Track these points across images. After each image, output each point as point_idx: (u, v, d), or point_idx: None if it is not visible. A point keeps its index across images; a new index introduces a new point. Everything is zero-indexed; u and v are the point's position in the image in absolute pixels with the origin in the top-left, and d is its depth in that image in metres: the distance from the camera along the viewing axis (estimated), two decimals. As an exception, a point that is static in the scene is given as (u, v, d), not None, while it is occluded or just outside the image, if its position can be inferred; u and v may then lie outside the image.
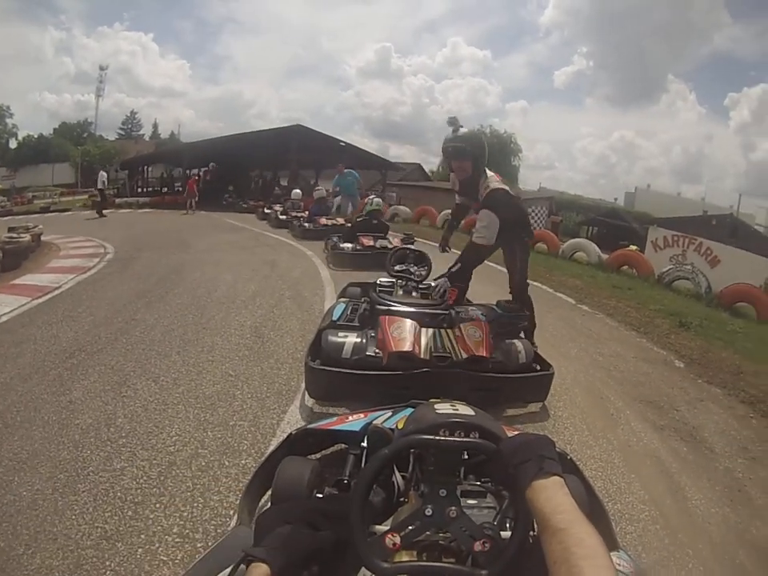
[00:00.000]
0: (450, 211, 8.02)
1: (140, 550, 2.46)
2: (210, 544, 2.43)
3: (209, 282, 8.40)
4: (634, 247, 17.77)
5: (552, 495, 1.23)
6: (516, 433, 1.69)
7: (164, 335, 5.53)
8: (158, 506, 2.74)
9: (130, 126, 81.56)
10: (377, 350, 4.45)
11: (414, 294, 5.92)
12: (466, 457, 1.57)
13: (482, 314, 5.24)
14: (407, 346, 4.33)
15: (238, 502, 2.55)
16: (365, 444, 2.31)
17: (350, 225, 13.57)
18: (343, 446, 2.84)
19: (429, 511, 1.48)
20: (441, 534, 1.49)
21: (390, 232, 13.07)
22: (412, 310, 5.13)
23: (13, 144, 62.40)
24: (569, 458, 2.87)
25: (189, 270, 9.30)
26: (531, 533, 1.37)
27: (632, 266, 15.35)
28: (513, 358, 4.73)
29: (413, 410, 2.39)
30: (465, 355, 4.45)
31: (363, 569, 1.43)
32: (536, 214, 31.90)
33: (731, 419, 5.39)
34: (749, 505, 3.87)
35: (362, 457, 2.34)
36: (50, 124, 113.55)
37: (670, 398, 5.66)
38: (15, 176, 53.38)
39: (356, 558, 1.41)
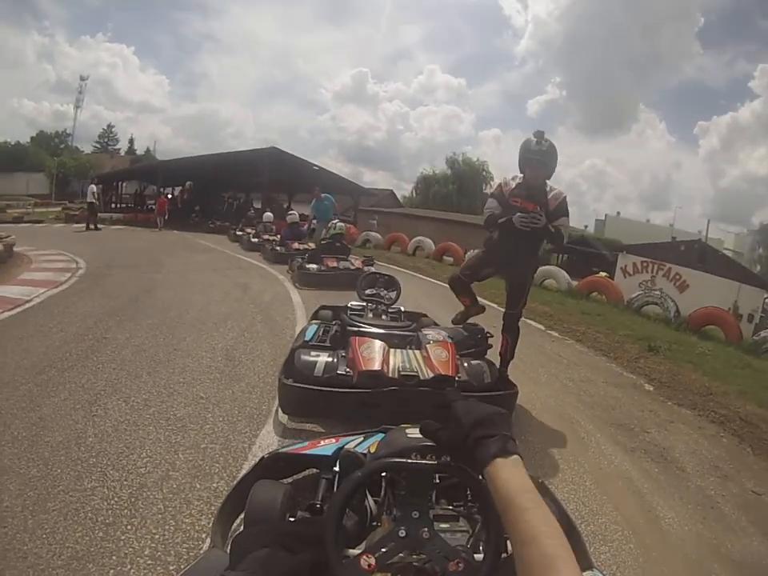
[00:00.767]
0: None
1: (111, 571, 2.44)
2: (182, 567, 2.44)
3: (180, 302, 8.37)
4: (603, 274, 18.11)
5: (516, 474, 1.23)
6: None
7: (135, 355, 5.50)
8: (129, 527, 2.71)
9: (106, 139, 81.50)
10: (347, 369, 4.62)
11: (383, 316, 6.18)
12: (437, 480, 1.62)
13: (448, 336, 5.45)
14: (376, 366, 4.53)
15: (210, 525, 2.60)
16: (337, 468, 2.35)
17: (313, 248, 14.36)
18: (315, 470, 2.85)
19: (402, 533, 1.50)
20: (415, 556, 1.50)
21: (351, 254, 13.87)
22: (381, 331, 5.46)
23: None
24: (540, 481, 2.91)
25: (161, 290, 9.27)
26: (504, 554, 1.41)
27: (601, 293, 15.57)
28: (478, 377, 4.94)
29: (383, 434, 2.43)
30: (431, 374, 4.59)
31: None
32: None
33: (701, 439, 5.53)
34: (722, 521, 3.97)
35: (334, 481, 2.37)
36: (27, 132, 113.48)
37: (640, 420, 5.77)
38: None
39: None
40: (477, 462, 1.31)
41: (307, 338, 5.34)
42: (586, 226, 57.82)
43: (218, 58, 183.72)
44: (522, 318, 10.65)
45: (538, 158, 5.38)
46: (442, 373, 4.60)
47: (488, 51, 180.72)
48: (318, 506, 2.28)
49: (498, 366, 5.48)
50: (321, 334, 5.56)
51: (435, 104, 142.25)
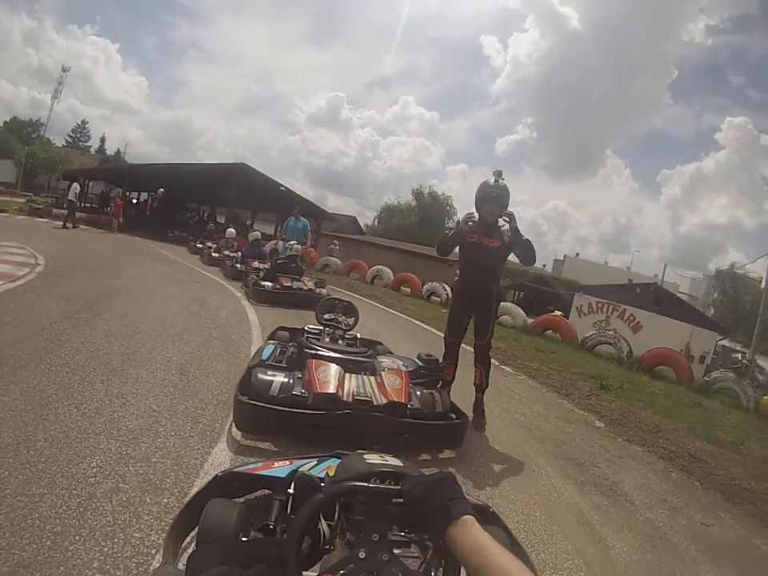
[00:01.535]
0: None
1: None
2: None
3: (138, 311, 8.28)
4: (559, 313, 18.35)
5: (465, 536, 1.27)
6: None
7: (89, 360, 5.40)
8: (77, 538, 2.65)
9: (79, 135, 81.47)
10: (303, 391, 4.69)
11: (339, 341, 6.27)
12: (395, 504, 1.59)
13: (402, 364, 5.63)
14: (331, 389, 4.62)
15: (159, 540, 2.58)
16: (291, 490, 2.34)
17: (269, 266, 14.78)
18: (267, 491, 2.85)
19: (362, 554, 1.51)
20: None
21: (304, 276, 14.31)
22: (338, 355, 5.51)
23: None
24: (491, 510, 2.94)
25: (119, 297, 9.15)
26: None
27: (556, 331, 15.87)
28: (429, 406, 5.08)
29: (337, 459, 2.45)
30: (384, 400, 4.73)
31: None
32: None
33: (650, 474, 5.71)
34: (671, 550, 4.11)
35: (288, 503, 2.36)
36: (0, 115, 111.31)
37: (590, 455, 5.88)
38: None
39: None
40: (434, 534, 1.40)
41: (264, 357, 5.37)
42: (544, 265, 58.75)
43: (199, 67, 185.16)
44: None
45: (497, 192, 5.92)
46: (395, 399, 4.73)
47: (464, 87, 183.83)
48: (271, 527, 2.27)
49: (477, 395, 6.26)
50: (278, 354, 5.60)
51: (406, 135, 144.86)
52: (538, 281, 39.73)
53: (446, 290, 20.62)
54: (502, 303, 20.53)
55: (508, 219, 5.94)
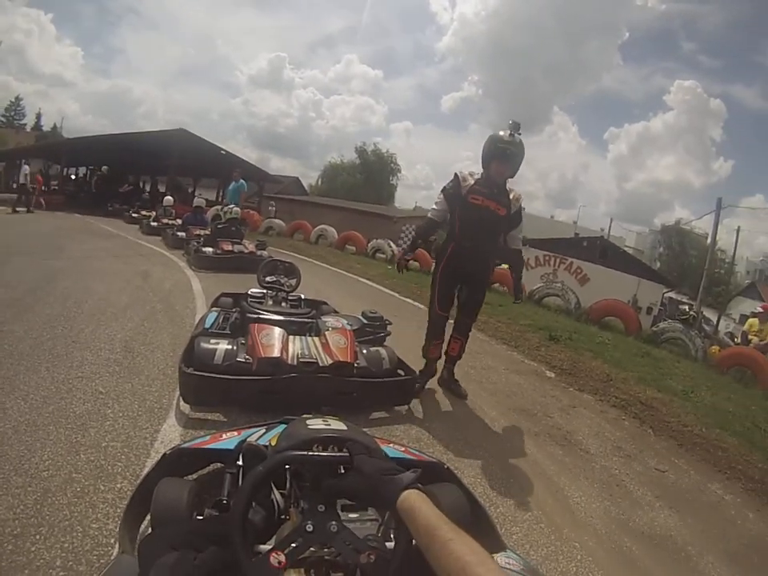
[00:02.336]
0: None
1: None
2: (94, 576, 2.40)
3: (80, 291, 8.13)
4: (505, 266, 18.36)
5: (430, 506, 1.28)
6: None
7: (33, 349, 5.31)
8: (38, 537, 2.63)
9: (12, 113, 78.18)
10: (247, 357, 4.68)
11: (283, 304, 6.30)
12: (342, 471, 1.60)
13: (347, 323, 5.65)
14: (275, 352, 4.61)
15: (116, 528, 2.54)
16: (240, 462, 2.35)
17: (209, 232, 14.75)
18: (219, 465, 2.84)
19: (309, 527, 1.51)
20: (326, 550, 1.51)
21: (245, 239, 14.38)
22: (280, 318, 5.59)
23: None
24: (446, 467, 2.93)
25: (60, 278, 8.95)
26: (413, 541, 1.39)
27: (503, 284, 15.82)
28: (377, 364, 5.12)
29: (285, 425, 2.45)
30: (330, 361, 4.73)
31: None
32: (410, 233, 32.37)
33: (604, 422, 5.84)
34: (628, 497, 4.24)
35: (239, 475, 2.37)
36: None
37: (542, 406, 6.01)
38: None
39: None
40: (386, 498, 1.36)
41: (207, 325, 5.37)
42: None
43: (137, 34, 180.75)
44: (423, 307, 10.87)
45: (511, 149, 5.24)
46: (341, 359, 4.75)
47: (409, 45, 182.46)
48: (225, 502, 2.26)
49: (448, 366, 6.00)
50: (221, 321, 5.57)
51: (350, 94, 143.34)
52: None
53: (390, 246, 20.69)
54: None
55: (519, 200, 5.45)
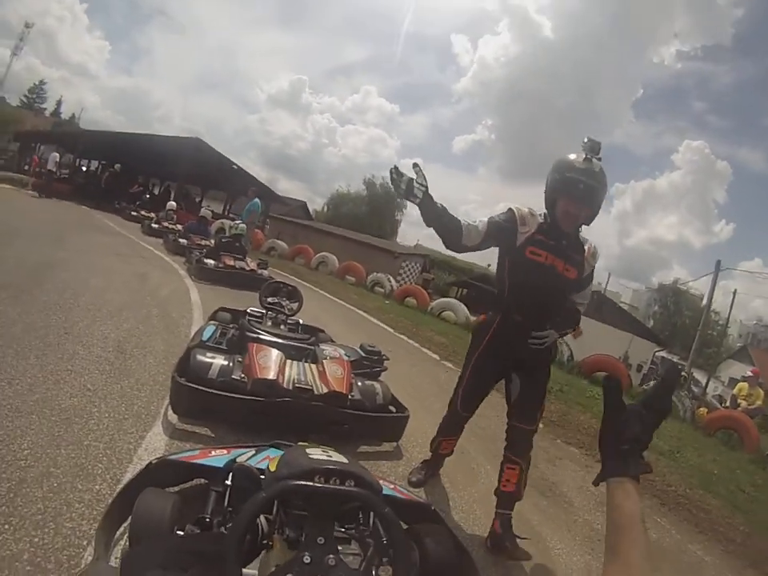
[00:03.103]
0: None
1: None
2: (63, 576, 2.32)
3: (78, 284, 8.05)
4: None
5: (638, 500, 1.35)
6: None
7: (25, 333, 5.23)
8: (7, 527, 2.53)
9: (35, 95, 78.62)
10: (242, 375, 4.61)
11: (282, 326, 6.16)
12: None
13: (345, 354, 5.56)
14: (272, 375, 4.55)
15: (91, 531, 2.49)
16: (229, 482, 2.29)
17: (213, 244, 14.92)
18: (202, 480, 2.77)
19: (307, 558, 1.48)
20: None
21: (247, 256, 14.23)
22: (279, 341, 5.41)
23: None
24: (432, 509, 2.93)
25: (60, 268, 8.88)
26: None
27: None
28: (371, 397, 5.06)
29: (276, 450, 2.40)
30: (325, 390, 4.68)
31: None
32: (409, 269, 32.57)
33: (588, 476, 5.71)
34: None
35: (225, 495, 2.31)
36: None
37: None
38: None
39: None
40: (622, 468, 1.43)
41: (204, 338, 5.31)
42: (489, 265, 58.53)
43: (165, 36, 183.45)
44: (418, 347, 10.75)
45: (587, 181, 3.53)
46: (336, 389, 4.69)
47: (428, 83, 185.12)
48: (208, 519, 2.21)
49: (502, 511, 3.91)
50: (218, 336, 5.54)
51: (364, 125, 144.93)
52: (483, 279, 39.80)
53: (390, 281, 20.81)
54: (445, 299, 20.66)
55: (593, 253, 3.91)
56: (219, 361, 4.69)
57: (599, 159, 3.61)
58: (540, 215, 3.80)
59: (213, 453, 2.83)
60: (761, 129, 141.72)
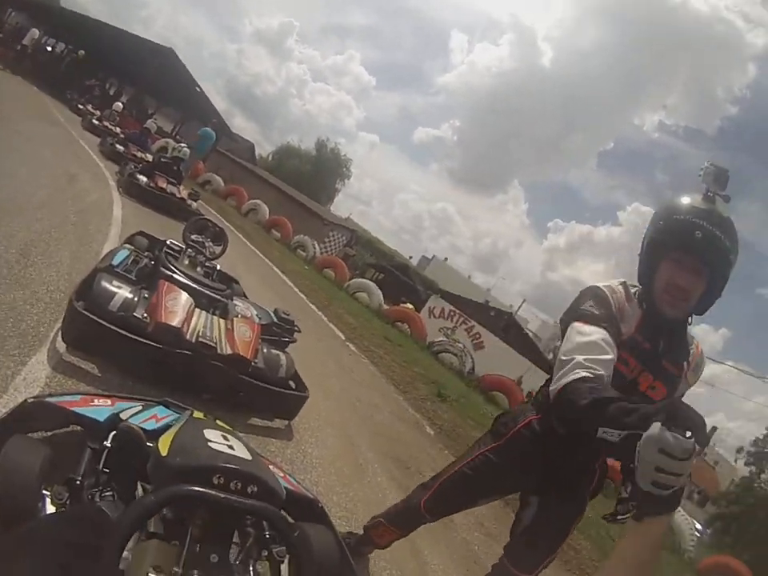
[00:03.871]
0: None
1: None
2: None
3: (3, 169, 7.54)
4: (410, 306, 18.71)
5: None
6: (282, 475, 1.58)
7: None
8: None
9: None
10: (145, 314, 4.29)
11: (198, 268, 5.79)
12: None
13: (257, 315, 5.41)
14: (176, 322, 4.25)
15: None
16: (109, 443, 2.06)
17: (151, 161, 14.59)
18: (77, 428, 2.51)
19: (215, 558, 1.41)
20: None
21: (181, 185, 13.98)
22: (193, 285, 5.10)
23: None
24: (320, 505, 2.72)
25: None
26: None
27: (408, 324, 15.99)
28: (274, 368, 4.83)
29: (165, 408, 2.21)
30: (229, 351, 4.38)
31: None
32: (335, 240, 32.97)
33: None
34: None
35: (102, 455, 2.07)
36: None
37: (416, 461, 5.99)
38: None
39: None
40: (656, 506, 1.38)
41: (114, 262, 4.94)
42: (410, 257, 59.56)
43: None
44: (327, 321, 10.71)
45: (712, 229, 2.19)
46: (240, 353, 4.41)
47: (413, 66, 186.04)
48: (78, 482, 1.97)
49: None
50: (129, 263, 5.18)
51: (336, 87, 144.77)
52: (401, 268, 40.23)
53: (314, 247, 20.85)
54: (361, 279, 20.70)
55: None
56: (124, 292, 4.35)
57: (728, 200, 2.30)
58: (631, 287, 2.58)
59: (95, 401, 2.57)
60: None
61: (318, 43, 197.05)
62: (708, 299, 2.36)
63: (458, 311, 18.33)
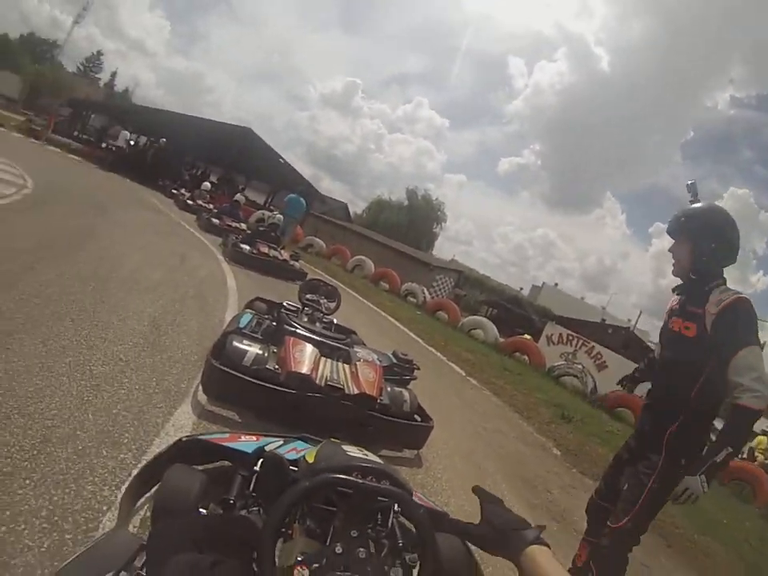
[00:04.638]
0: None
1: (3, 528, 2.23)
2: (79, 537, 2.30)
3: (117, 255, 8.07)
4: (528, 337, 18.38)
5: (553, 562, 1.27)
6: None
7: (61, 296, 5.23)
8: (27, 482, 2.50)
9: (91, 65, 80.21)
10: (276, 366, 4.60)
11: (317, 324, 6.06)
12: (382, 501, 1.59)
13: (377, 358, 5.55)
14: (305, 369, 4.53)
15: (112, 497, 2.48)
16: (257, 468, 2.24)
17: (250, 231, 15.64)
18: (227, 463, 2.73)
19: (339, 549, 1.41)
20: (348, 573, 1.40)
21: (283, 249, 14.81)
22: (316, 337, 5.36)
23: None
24: (450, 518, 2.80)
25: (100, 236, 8.95)
26: None
27: (525, 353, 15.87)
28: (398, 404, 5.04)
29: (304, 443, 2.34)
30: (356, 390, 4.64)
31: None
32: (443, 283, 32.63)
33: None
34: None
35: (251, 480, 2.26)
36: (18, 27, 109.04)
37: (544, 480, 5.91)
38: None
39: None
40: (511, 550, 1.35)
41: (241, 325, 5.23)
42: (521, 288, 58.85)
43: (224, 23, 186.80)
44: (446, 361, 10.71)
45: (676, 214, 3.41)
46: (366, 392, 4.65)
47: (480, 101, 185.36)
48: (231, 501, 2.16)
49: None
50: (254, 324, 5.45)
51: (412, 135, 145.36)
52: (513, 301, 39.85)
53: (423, 292, 20.74)
54: (474, 317, 20.54)
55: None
56: (254, 349, 4.67)
57: (696, 198, 3.57)
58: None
59: (242, 438, 2.75)
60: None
61: (383, 96, 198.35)
62: (696, 255, 3.26)
63: (575, 334, 17.93)
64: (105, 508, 2.53)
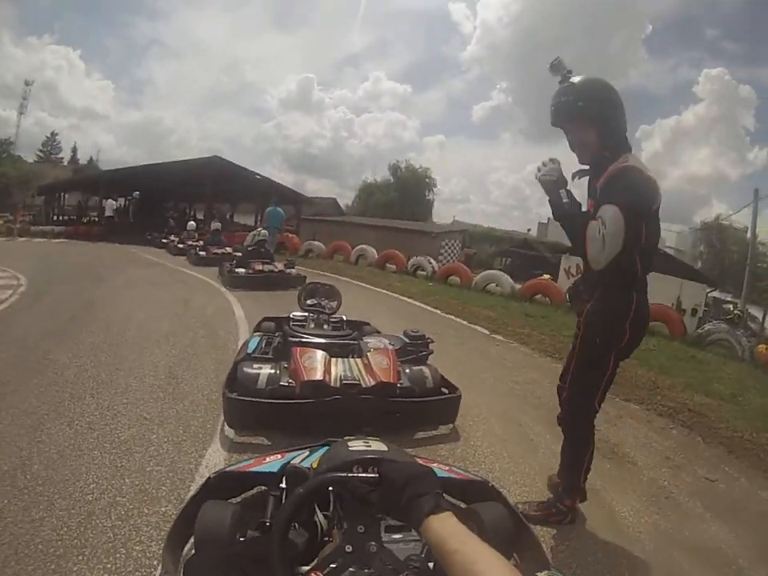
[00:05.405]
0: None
1: None
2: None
3: (122, 319, 8.23)
4: (547, 276, 18.04)
5: (445, 524, 1.26)
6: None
7: (77, 376, 5.39)
8: (80, 558, 2.64)
9: (49, 148, 79.43)
10: (290, 380, 4.65)
11: (325, 326, 6.22)
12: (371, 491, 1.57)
13: (389, 343, 5.59)
14: (318, 375, 4.57)
15: (159, 551, 2.56)
16: (284, 485, 2.34)
17: (239, 254, 16.20)
18: (263, 487, 2.84)
19: (349, 548, 1.53)
20: (365, 570, 1.51)
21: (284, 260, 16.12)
22: (322, 341, 5.53)
23: None
24: (490, 485, 2.93)
25: (102, 307, 9.13)
26: None
27: (545, 295, 15.70)
28: (420, 383, 5.02)
29: (328, 448, 2.45)
30: (372, 382, 4.67)
31: None
32: (449, 248, 32.32)
33: (651, 432, 5.65)
34: (677, 510, 4.06)
35: (282, 498, 2.36)
36: None
37: None
38: None
39: None
40: (411, 520, 1.34)
41: (250, 350, 5.36)
42: (529, 230, 57.99)
43: (164, 63, 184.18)
44: (467, 324, 10.66)
45: (554, 102, 3.28)
46: (383, 380, 4.67)
47: (434, 58, 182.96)
48: (268, 523, 2.25)
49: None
50: (263, 346, 5.56)
51: (380, 111, 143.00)
52: (523, 245, 39.40)
53: (431, 263, 20.62)
54: (489, 271, 20.32)
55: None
56: (266, 370, 4.74)
57: (569, 74, 3.23)
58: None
59: (267, 459, 2.87)
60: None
61: (340, 82, 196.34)
62: (608, 140, 3.23)
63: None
64: (155, 563, 2.65)
